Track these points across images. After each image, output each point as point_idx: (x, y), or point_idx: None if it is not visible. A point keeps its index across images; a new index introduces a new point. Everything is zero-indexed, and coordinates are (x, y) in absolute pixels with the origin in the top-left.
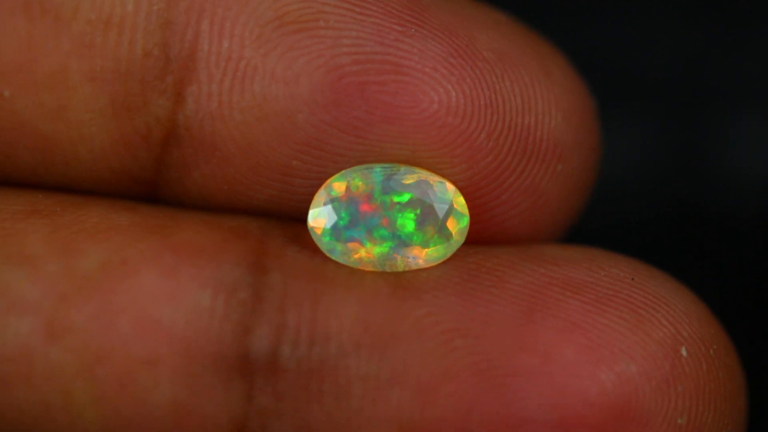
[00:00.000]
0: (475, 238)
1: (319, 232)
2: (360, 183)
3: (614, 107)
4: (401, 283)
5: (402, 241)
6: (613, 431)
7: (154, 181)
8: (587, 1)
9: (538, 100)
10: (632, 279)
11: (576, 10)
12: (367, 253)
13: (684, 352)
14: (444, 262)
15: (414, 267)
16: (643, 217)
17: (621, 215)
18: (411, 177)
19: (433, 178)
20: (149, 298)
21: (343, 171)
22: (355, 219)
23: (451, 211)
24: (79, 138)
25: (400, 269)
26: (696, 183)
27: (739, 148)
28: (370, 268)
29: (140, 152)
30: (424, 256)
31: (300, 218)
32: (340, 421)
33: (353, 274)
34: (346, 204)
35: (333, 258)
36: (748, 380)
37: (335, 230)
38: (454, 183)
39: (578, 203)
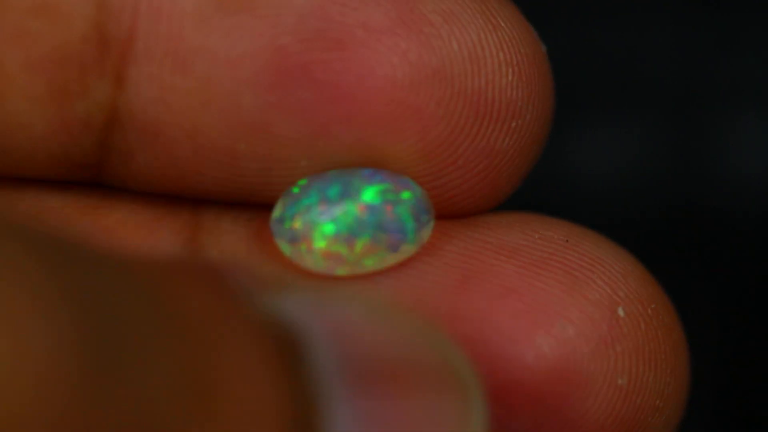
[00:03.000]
0: (433, 203)
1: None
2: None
3: (613, 107)
4: None
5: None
6: (552, 395)
7: (98, 165)
8: (587, 1)
9: (488, 60)
10: (566, 241)
11: (576, 10)
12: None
13: (621, 312)
14: None
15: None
16: (642, 216)
17: (620, 215)
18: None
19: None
20: None
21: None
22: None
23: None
24: (18, 126)
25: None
26: (695, 183)
27: (739, 148)
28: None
29: (82, 138)
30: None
31: (246, 202)
32: None
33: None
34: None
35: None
36: (749, 380)
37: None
38: (408, 155)
39: (533, 155)
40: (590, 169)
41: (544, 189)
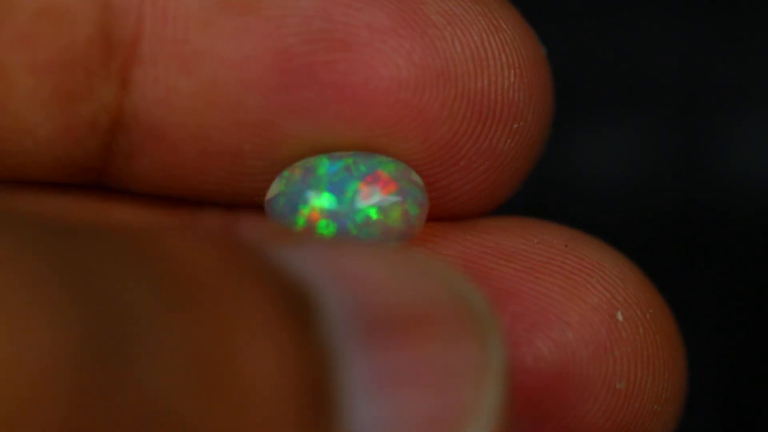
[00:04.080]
0: (435, 204)
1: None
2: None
3: (614, 107)
4: None
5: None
6: (551, 398)
7: (102, 168)
8: (588, 1)
9: (490, 61)
10: (565, 245)
11: (577, 10)
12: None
13: (620, 317)
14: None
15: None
16: (644, 217)
17: (621, 215)
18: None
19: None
20: None
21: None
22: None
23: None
24: (24, 129)
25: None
26: (696, 183)
27: (741, 148)
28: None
29: (87, 140)
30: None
31: (249, 203)
32: None
33: None
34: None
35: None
36: (750, 381)
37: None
38: (411, 156)
39: (534, 157)
40: (592, 170)
41: (546, 190)
